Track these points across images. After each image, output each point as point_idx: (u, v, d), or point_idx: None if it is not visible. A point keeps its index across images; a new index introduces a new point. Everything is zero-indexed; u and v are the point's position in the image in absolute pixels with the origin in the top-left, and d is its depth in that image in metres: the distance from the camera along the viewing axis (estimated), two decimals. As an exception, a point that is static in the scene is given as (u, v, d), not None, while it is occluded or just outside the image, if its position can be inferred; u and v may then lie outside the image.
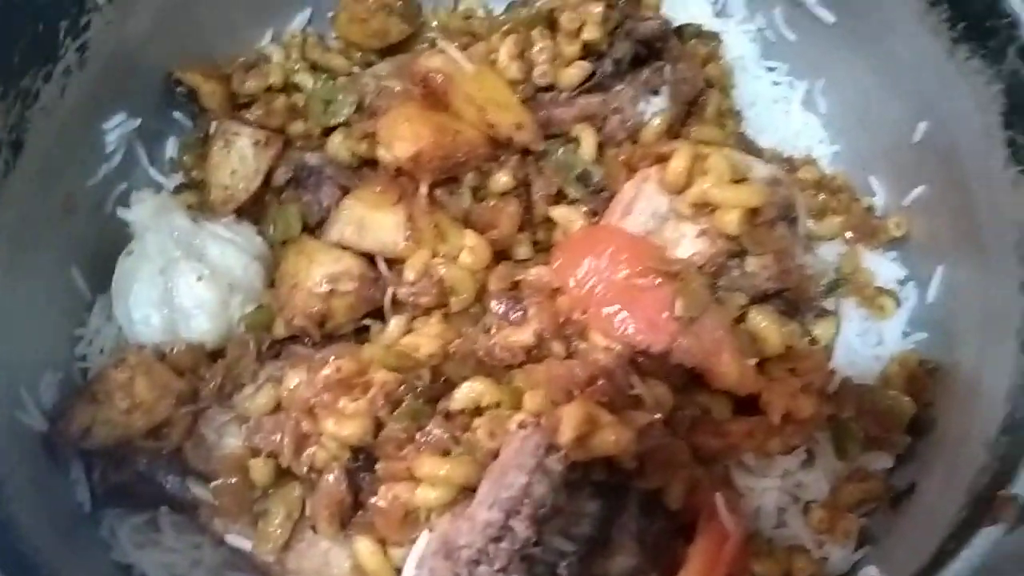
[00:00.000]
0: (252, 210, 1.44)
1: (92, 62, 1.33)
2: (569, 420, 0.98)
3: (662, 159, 1.25)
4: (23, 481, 1.09)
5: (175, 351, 1.31)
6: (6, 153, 1.22)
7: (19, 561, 0.89)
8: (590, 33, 1.38)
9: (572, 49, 1.38)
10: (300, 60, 1.59)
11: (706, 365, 1.13)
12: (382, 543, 1.09)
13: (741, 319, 1.20)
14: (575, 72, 1.37)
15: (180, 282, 1.32)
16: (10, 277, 1.22)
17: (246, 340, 1.31)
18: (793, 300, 1.28)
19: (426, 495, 1.04)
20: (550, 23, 1.42)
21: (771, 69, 1.59)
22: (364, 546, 1.09)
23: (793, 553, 1.17)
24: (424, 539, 1.03)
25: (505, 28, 1.41)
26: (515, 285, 1.26)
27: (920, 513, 1.16)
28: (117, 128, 1.44)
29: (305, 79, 1.53)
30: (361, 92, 1.45)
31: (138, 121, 1.46)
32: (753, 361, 1.18)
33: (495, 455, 1.04)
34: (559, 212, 1.32)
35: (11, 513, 0.99)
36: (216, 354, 1.34)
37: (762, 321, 1.19)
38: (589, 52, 1.39)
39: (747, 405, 1.19)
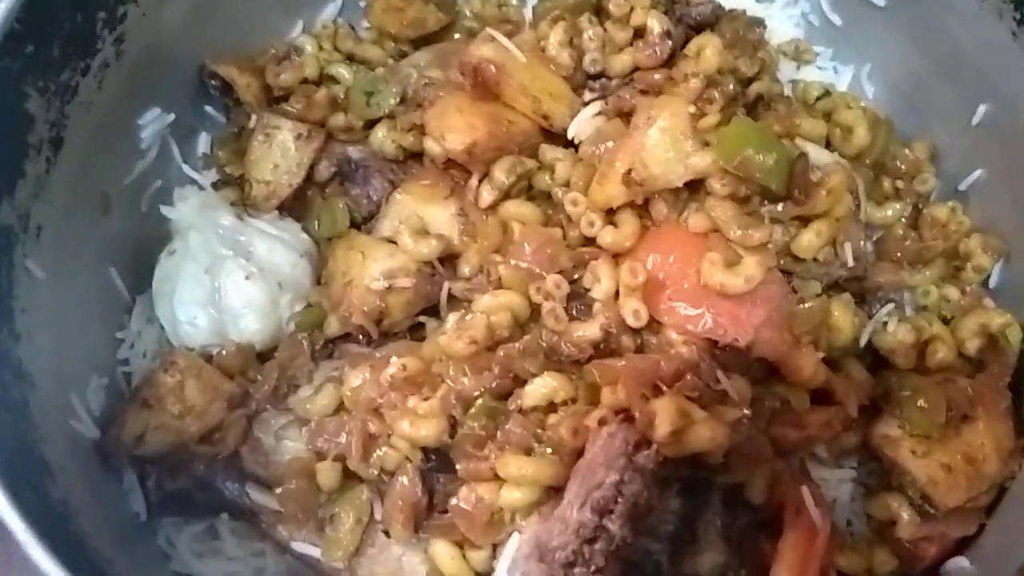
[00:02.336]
0: (294, 206, 1.40)
1: (128, 55, 1.29)
2: (664, 415, 0.95)
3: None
4: (84, 493, 1.04)
5: (223, 352, 1.27)
6: (47, 150, 1.18)
7: (96, 570, 0.85)
8: (639, 18, 1.35)
9: (623, 36, 1.35)
10: (333, 51, 1.55)
11: (785, 358, 1.11)
12: (460, 546, 1.06)
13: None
14: (627, 59, 1.33)
15: (227, 281, 1.28)
16: (54, 279, 1.17)
17: (299, 340, 1.27)
18: (859, 290, 1.26)
19: (511, 496, 1.01)
20: (597, 9, 1.40)
21: (816, 54, 1.56)
22: (442, 550, 1.05)
23: (875, 547, 1.15)
24: (514, 542, 1.00)
25: (553, 15, 1.37)
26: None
27: (1013, 506, 1.14)
28: (151, 124, 1.39)
29: (341, 71, 1.48)
30: (403, 83, 1.41)
31: (172, 116, 1.42)
32: (821, 355, 1.16)
33: (579, 453, 1.01)
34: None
35: (80, 527, 0.95)
36: (263, 355, 1.30)
37: (835, 311, 1.17)
38: (637, 37, 1.36)
39: (821, 396, 1.17)
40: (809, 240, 1.15)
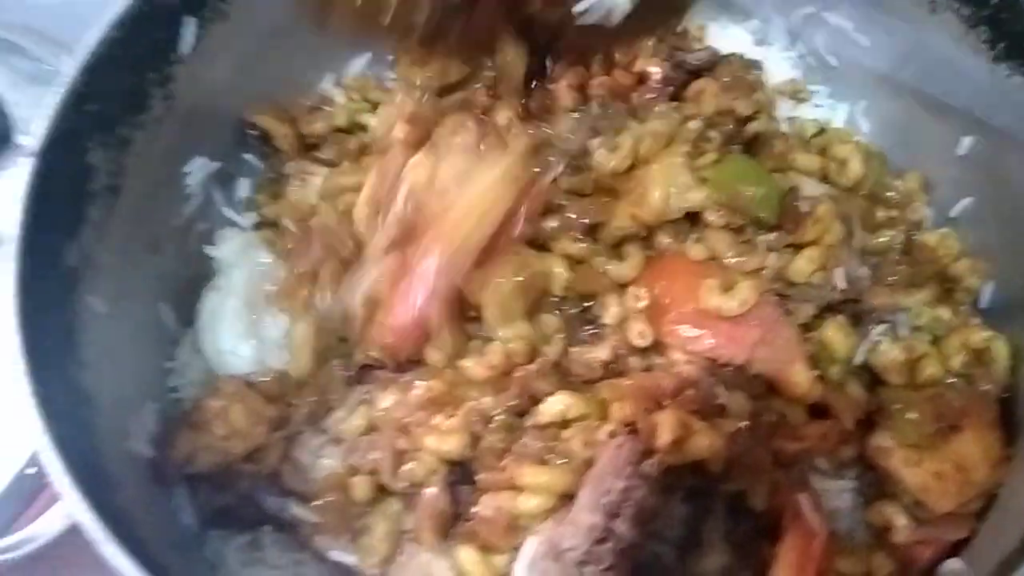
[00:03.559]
0: (328, 244, 1.51)
1: (177, 110, 1.40)
2: (666, 425, 1.04)
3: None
4: (142, 506, 1.15)
5: (264, 380, 1.38)
6: (107, 198, 1.29)
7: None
8: (641, 65, 1.47)
9: (627, 82, 1.46)
10: (361, 101, 1.67)
11: (780, 375, 1.19)
12: (483, 551, 1.15)
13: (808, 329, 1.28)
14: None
15: (266, 315, 1.40)
16: (114, 315, 1.28)
17: (332, 368, 1.37)
18: (855, 311, 1.34)
19: (528, 503, 1.10)
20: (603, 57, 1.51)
21: (812, 93, 1.66)
22: (468, 555, 1.14)
23: (872, 551, 1.22)
24: (531, 544, 1.09)
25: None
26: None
27: (1001, 511, 1.21)
28: (197, 171, 1.51)
29: (370, 119, 1.60)
30: (425, 129, 1.53)
31: (215, 164, 1.53)
32: (815, 372, 1.25)
33: (590, 464, 1.10)
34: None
35: (143, 537, 1.05)
36: (300, 381, 1.41)
37: (830, 331, 1.26)
38: (640, 83, 1.48)
39: (820, 411, 1.25)
40: (801, 265, 1.24)
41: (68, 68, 1.21)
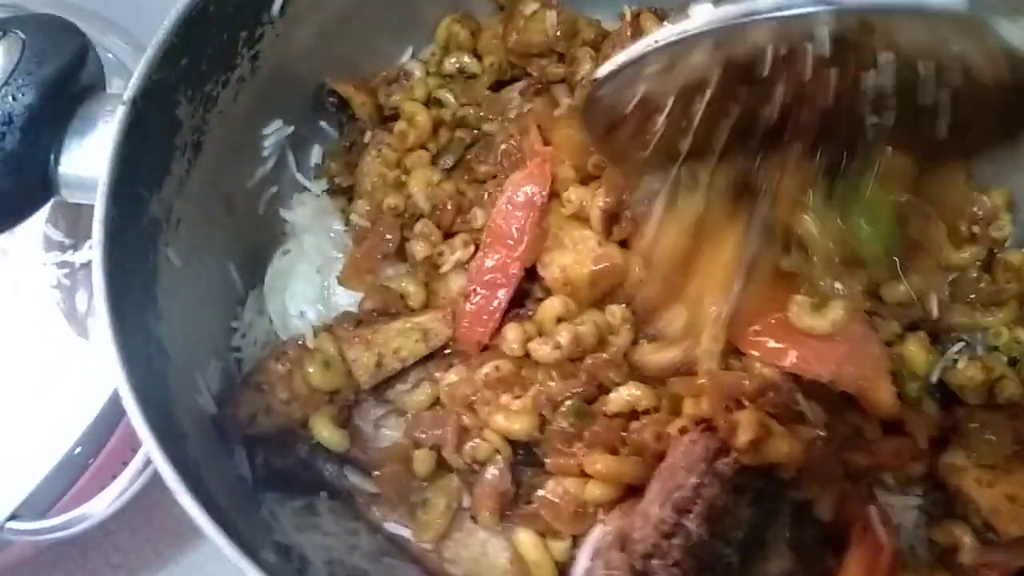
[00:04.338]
0: (399, 216, 1.51)
1: (260, 71, 1.41)
2: (747, 424, 1.02)
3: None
4: (209, 463, 1.15)
5: (329, 346, 1.37)
6: (189, 153, 1.30)
7: (229, 528, 0.96)
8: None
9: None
10: (438, 76, 1.66)
11: (863, 392, 1.17)
12: (543, 535, 1.14)
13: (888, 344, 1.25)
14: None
15: (336, 281, 1.39)
16: (187, 270, 1.29)
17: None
18: (933, 328, 1.31)
19: (596, 491, 1.09)
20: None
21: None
22: (527, 538, 1.13)
23: (936, 571, 1.20)
24: (598, 532, 1.08)
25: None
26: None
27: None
28: (273, 134, 1.51)
29: (446, 94, 1.60)
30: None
31: (291, 128, 1.54)
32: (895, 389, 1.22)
33: (660, 457, 1.09)
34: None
35: (211, 492, 1.05)
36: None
37: (911, 347, 1.23)
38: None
39: (891, 426, 1.23)
40: (899, 290, 1.22)
41: (166, 21, 1.21)
